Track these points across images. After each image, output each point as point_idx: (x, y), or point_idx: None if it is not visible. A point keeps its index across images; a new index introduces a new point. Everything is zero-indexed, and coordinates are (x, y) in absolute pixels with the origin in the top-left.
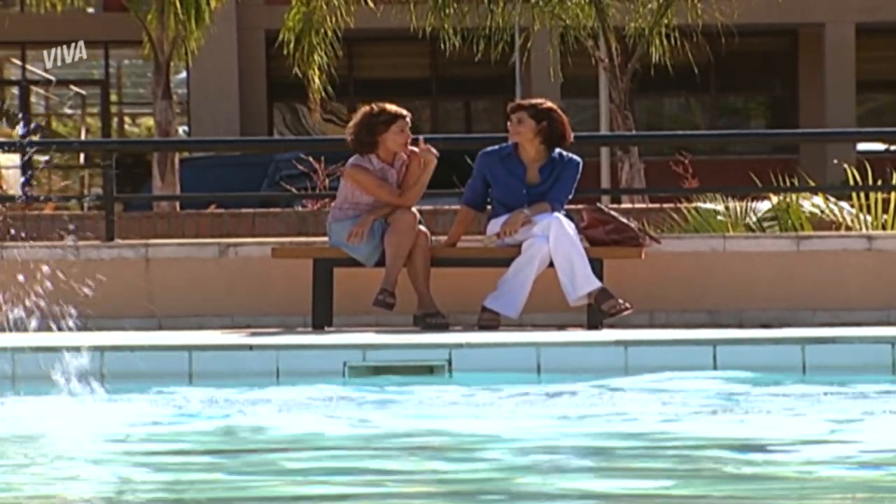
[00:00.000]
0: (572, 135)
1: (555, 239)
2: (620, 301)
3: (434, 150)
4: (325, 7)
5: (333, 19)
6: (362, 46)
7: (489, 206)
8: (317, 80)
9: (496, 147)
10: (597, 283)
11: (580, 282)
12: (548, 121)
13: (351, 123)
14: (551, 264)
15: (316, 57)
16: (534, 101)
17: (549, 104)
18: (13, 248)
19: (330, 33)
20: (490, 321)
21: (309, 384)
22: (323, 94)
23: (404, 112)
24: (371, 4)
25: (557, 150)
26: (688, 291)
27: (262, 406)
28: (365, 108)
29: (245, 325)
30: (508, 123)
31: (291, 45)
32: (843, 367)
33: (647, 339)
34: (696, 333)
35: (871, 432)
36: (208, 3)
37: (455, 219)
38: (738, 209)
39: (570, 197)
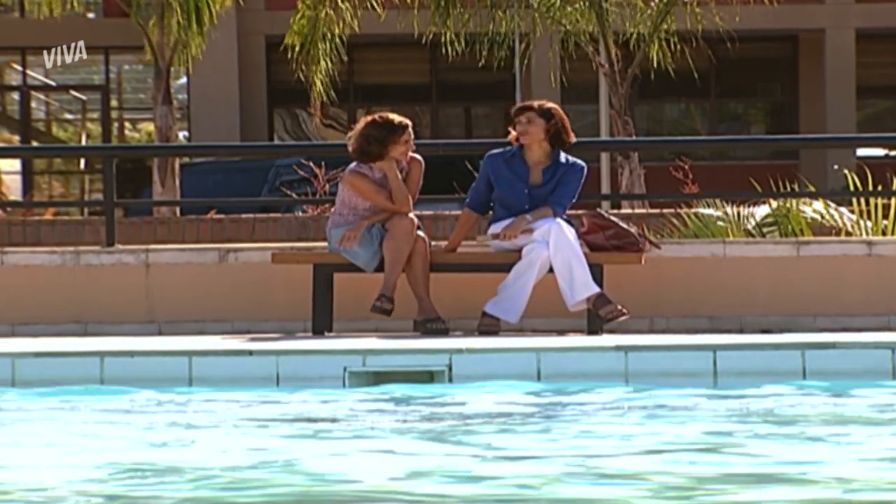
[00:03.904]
0: (573, 136)
1: (555, 244)
2: (618, 307)
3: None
4: (332, 12)
5: (341, 24)
6: (362, 52)
7: (491, 211)
8: (319, 85)
9: (501, 149)
10: (595, 289)
11: (578, 287)
12: (554, 120)
13: (353, 133)
14: (551, 269)
15: (321, 63)
16: (537, 101)
17: (552, 104)
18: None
19: (336, 38)
20: (490, 326)
21: (309, 390)
22: (324, 98)
23: (407, 122)
24: (379, 10)
25: (563, 153)
26: (688, 296)
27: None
28: (368, 119)
29: (245, 330)
30: (516, 125)
31: (296, 50)
32: (843, 373)
33: (648, 345)
34: (696, 339)
35: (869, 438)
36: (209, 9)
37: (456, 223)
38: (739, 214)
39: (574, 201)
